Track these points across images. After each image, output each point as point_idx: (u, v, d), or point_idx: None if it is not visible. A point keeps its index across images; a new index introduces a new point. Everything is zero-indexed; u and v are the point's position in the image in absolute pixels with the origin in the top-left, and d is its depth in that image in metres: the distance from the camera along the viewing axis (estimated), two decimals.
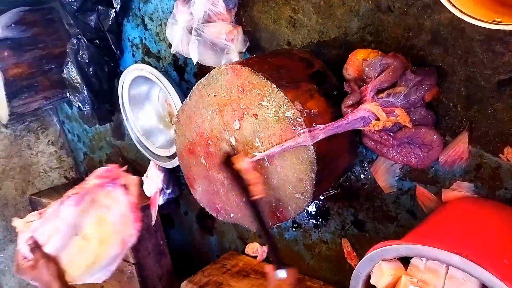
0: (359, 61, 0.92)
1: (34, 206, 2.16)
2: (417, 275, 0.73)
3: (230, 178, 0.95)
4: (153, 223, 1.62)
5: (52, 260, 1.01)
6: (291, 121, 0.83)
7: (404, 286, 0.72)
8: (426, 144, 0.88)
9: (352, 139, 0.98)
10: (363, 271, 0.81)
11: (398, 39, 0.94)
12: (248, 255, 1.58)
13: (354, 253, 1.21)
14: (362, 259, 0.80)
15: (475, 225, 0.81)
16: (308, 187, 0.87)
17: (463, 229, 0.80)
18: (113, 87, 1.67)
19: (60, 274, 1.00)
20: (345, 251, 1.23)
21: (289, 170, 0.89)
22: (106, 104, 1.69)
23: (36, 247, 1.01)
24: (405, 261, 0.78)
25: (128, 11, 1.55)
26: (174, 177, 1.65)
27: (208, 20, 1.19)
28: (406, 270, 0.76)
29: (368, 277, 0.81)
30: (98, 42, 1.55)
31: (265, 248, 1.52)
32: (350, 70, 0.94)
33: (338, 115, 0.91)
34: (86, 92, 1.62)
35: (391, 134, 0.89)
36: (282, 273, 0.87)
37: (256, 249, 1.54)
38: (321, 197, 1.24)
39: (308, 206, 0.94)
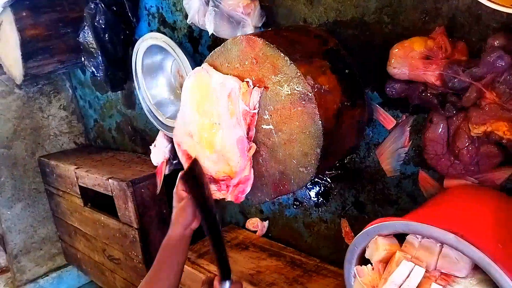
0: (415, 52, 0.87)
1: (43, 167, 2.21)
2: (412, 252, 0.75)
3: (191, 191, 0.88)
4: (158, 191, 1.66)
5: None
6: (302, 95, 0.84)
7: (397, 261, 0.74)
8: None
9: (360, 119, 0.99)
10: (359, 245, 0.83)
11: (415, 22, 0.94)
12: (248, 230, 1.62)
13: (352, 233, 1.23)
14: (359, 233, 0.82)
15: (473, 211, 0.83)
16: (313, 162, 0.89)
17: (461, 213, 0.82)
18: (127, 55, 1.69)
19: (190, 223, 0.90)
20: (343, 231, 1.26)
21: (295, 145, 0.91)
22: (119, 72, 1.72)
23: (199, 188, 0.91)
24: (400, 239, 0.80)
25: None
26: None
27: None
28: (401, 247, 0.78)
29: (363, 251, 0.83)
30: (115, 8, 1.57)
31: (265, 223, 1.56)
32: (400, 64, 0.90)
33: (349, 93, 0.92)
34: (100, 58, 1.64)
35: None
36: (226, 285, 0.82)
37: (257, 224, 1.58)
38: (325, 177, 1.26)
39: (311, 181, 0.97)
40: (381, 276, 0.77)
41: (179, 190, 0.92)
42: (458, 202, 0.87)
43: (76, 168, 1.88)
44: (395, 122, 1.04)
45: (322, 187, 1.29)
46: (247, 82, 0.91)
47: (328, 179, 1.26)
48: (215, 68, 0.98)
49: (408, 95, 0.96)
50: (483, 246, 0.69)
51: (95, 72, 1.68)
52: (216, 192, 1.04)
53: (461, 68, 0.86)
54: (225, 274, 0.83)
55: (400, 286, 0.72)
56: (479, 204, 0.87)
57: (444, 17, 0.90)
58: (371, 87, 1.06)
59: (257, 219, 1.58)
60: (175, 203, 0.94)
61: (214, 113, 0.97)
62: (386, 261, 0.78)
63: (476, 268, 0.71)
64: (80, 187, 1.88)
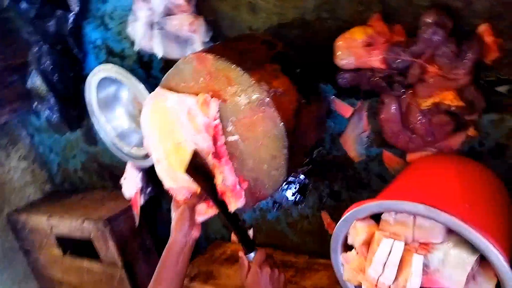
0: (357, 42, 0.93)
1: (13, 224, 2.12)
2: (389, 229, 0.79)
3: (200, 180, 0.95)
4: (136, 223, 1.63)
5: (193, 217, 0.98)
6: (259, 102, 0.87)
7: (377, 240, 0.77)
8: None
9: (319, 114, 1.03)
10: (340, 234, 0.86)
11: (352, 14, 1.00)
12: (235, 242, 1.62)
13: (334, 223, 1.27)
14: (339, 222, 0.85)
15: (437, 178, 0.88)
16: (282, 162, 0.92)
17: (426, 183, 0.87)
18: (80, 92, 1.65)
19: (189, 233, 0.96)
20: (325, 222, 1.29)
21: (263, 150, 0.93)
22: (74, 110, 1.68)
23: (196, 197, 1.00)
24: (377, 219, 0.83)
25: (87, 12, 1.54)
26: (152, 175, 1.66)
27: (168, 13, 1.21)
28: (378, 226, 0.81)
29: (346, 238, 0.86)
30: (59, 47, 1.54)
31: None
32: (346, 55, 0.95)
33: (303, 91, 0.96)
34: (52, 100, 1.60)
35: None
36: (251, 256, 0.95)
37: None
38: (298, 175, 1.29)
39: (284, 181, 0.99)
40: (366, 258, 0.81)
41: (176, 201, 1.01)
42: (423, 173, 0.92)
43: (48, 218, 1.81)
44: (352, 109, 1.09)
45: (297, 185, 1.32)
46: (203, 94, 0.93)
47: (301, 176, 1.29)
48: (171, 90, 0.99)
49: (358, 83, 1.01)
50: (452, 209, 0.74)
51: (50, 115, 1.64)
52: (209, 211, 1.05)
53: (401, 48, 0.92)
54: (249, 246, 0.95)
55: (384, 264, 0.76)
56: (442, 170, 0.92)
57: (377, 4, 0.96)
58: (324, 81, 1.10)
59: None
60: (173, 214, 1.00)
61: (177, 134, 0.97)
62: (368, 243, 0.81)
63: (450, 231, 0.76)
64: (56, 237, 1.82)
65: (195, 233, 0.96)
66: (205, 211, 1.03)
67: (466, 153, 0.97)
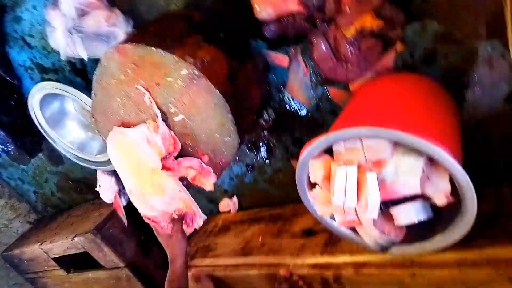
0: None
1: (10, 261, 2.13)
2: (342, 158, 0.83)
3: None
4: (125, 224, 1.66)
5: (185, 236, 1.05)
6: (190, 76, 0.88)
7: (334, 172, 0.82)
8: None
9: (256, 71, 1.04)
10: (302, 175, 0.91)
11: None
12: (224, 212, 1.67)
13: None
14: (297, 167, 0.89)
15: (377, 99, 0.92)
16: (232, 128, 0.94)
17: (368, 106, 0.91)
18: (27, 117, 1.62)
19: (186, 253, 1.05)
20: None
21: (210, 120, 0.95)
22: (28, 137, 1.65)
23: (179, 219, 1.06)
24: (331, 152, 0.88)
25: (6, 37, 1.48)
26: None
27: (82, 14, 1.18)
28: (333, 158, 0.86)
29: (309, 178, 0.91)
30: None
31: (234, 199, 1.62)
32: (264, 8, 0.96)
33: (233, 53, 0.97)
34: (2, 134, 1.57)
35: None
36: None
37: (228, 204, 1.63)
38: (261, 133, 1.32)
39: (241, 144, 1.02)
40: (329, 190, 0.86)
41: (160, 231, 1.06)
42: (363, 98, 0.96)
43: (40, 245, 1.82)
44: (287, 58, 1.11)
45: (262, 143, 1.35)
46: (149, 121, 0.97)
47: (264, 133, 1.32)
48: (105, 90, 0.99)
49: (284, 31, 1.02)
50: (393, 124, 0.78)
51: (5, 149, 1.61)
52: (187, 229, 1.11)
53: None
54: None
55: (345, 190, 0.81)
56: (381, 90, 0.96)
57: None
58: (253, 38, 1.11)
59: (226, 199, 1.63)
60: (164, 242, 1.07)
61: (147, 161, 0.99)
62: (328, 177, 0.86)
63: (396, 143, 0.81)
64: (54, 259, 1.84)
65: (188, 249, 1.08)
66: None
67: (401, 68, 1.01)
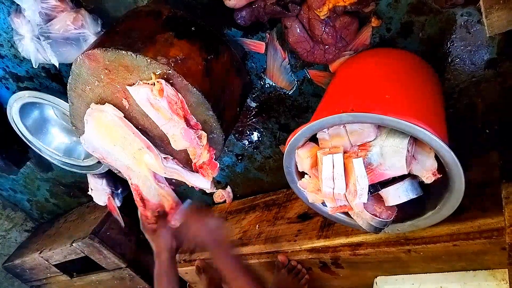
0: None
1: (13, 271, 2.13)
2: (328, 144, 0.82)
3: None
4: (122, 225, 1.65)
5: (170, 232, 1.05)
6: (165, 76, 0.85)
7: (320, 159, 0.81)
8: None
9: (232, 61, 1.01)
10: (290, 165, 0.90)
11: None
12: (219, 203, 1.67)
13: None
14: (284, 157, 0.88)
15: (357, 81, 0.90)
16: (215, 124, 0.92)
17: (348, 89, 0.89)
18: (8, 128, 1.58)
19: (172, 247, 1.05)
20: None
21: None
22: (13, 147, 1.62)
23: (162, 215, 1.06)
24: (316, 140, 0.87)
25: None
26: (115, 176, 1.65)
27: (48, 19, 1.13)
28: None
29: (297, 168, 0.90)
30: None
31: (228, 190, 1.61)
32: None
33: (207, 47, 0.94)
34: None
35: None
36: (185, 204, 1.04)
37: (222, 194, 1.63)
38: (248, 122, 1.31)
39: (226, 138, 1.00)
40: (318, 178, 0.85)
41: (146, 225, 1.07)
42: (343, 80, 0.94)
43: (40, 253, 1.82)
44: (264, 44, 1.08)
45: (249, 131, 1.34)
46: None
47: (250, 122, 1.30)
48: (81, 97, 0.96)
49: (257, 16, 0.99)
50: (373, 106, 0.77)
51: None
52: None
53: None
54: None
55: (333, 178, 0.80)
56: (361, 70, 0.94)
57: None
58: (226, 28, 1.08)
59: (219, 190, 1.63)
60: (149, 237, 1.07)
61: (133, 143, 0.96)
62: (315, 165, 0.85)
63: (379, 126, 0.80)
64: (55, 266, 1.84)
65: (175, 244, 1.05)
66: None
67: (379, 44, 0.99)
